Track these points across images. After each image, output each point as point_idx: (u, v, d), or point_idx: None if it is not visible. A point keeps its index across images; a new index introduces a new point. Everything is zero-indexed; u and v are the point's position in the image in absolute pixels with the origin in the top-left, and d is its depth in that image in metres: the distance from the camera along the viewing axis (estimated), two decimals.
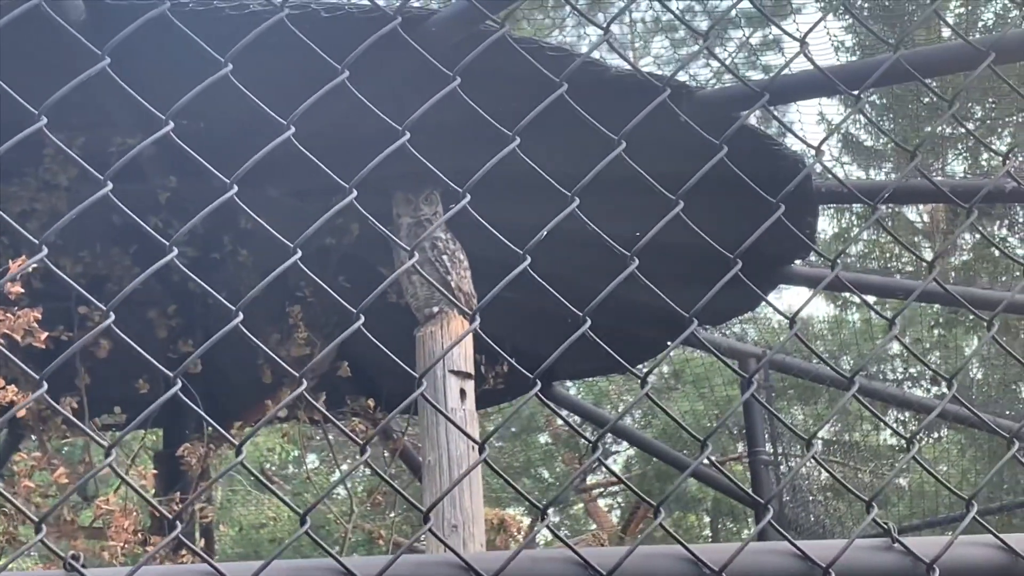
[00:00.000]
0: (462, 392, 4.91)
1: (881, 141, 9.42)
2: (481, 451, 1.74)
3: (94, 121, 4.71)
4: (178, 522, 1.54)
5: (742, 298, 6.58)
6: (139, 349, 1.60)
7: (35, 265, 4.44)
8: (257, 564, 1.51)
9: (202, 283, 1.86)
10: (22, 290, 4.40)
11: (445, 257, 5.22)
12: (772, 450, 7.98)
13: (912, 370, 11.08)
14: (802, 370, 8.19)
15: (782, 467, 8.08)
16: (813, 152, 6.41)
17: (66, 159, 5.24)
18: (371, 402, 6.46)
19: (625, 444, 12.41)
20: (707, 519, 13.77)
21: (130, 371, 5.82)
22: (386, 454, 7.96)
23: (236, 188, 1.64)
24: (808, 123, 7.58)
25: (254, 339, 1.62)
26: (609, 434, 11.12)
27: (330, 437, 8.03)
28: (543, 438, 13.34)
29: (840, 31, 7.69)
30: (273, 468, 13.03)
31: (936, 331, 10.73)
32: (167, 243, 1.58)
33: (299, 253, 1.69)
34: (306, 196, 5.30)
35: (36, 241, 1.52)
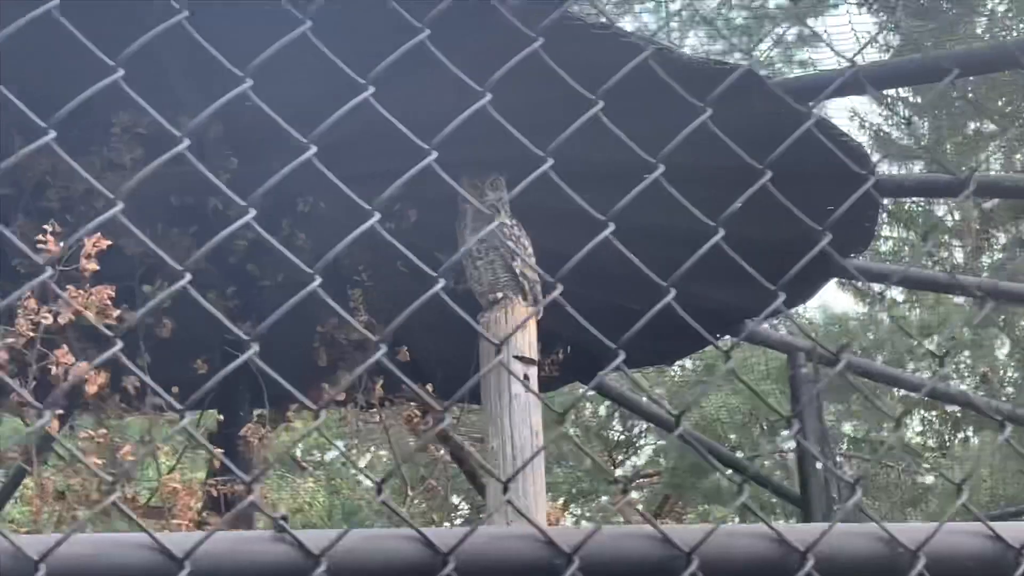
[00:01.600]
0: (526, 378, 4.93)
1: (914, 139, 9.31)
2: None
3: (162, 101, 4.77)
4: (251, 491, 1.56)
5: (793, 292, 6.53)
6: (213, 311, 1.62)
7: (108, 244, 4.54)
8: (335, 533, 1.53)
9: (282, 247, 1.88)
10: (97, 267, 4.49)
11: (510, 243, 5.22)
12: (821, 445, 7.90)
13: (945, 368, 10.96)
14: (856, 368, 8.11)
15: (829, 463, 8.00)
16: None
17: (132, 139, 5.32)
18: (429, 387, 6.49)
19: (651, 437, 12.39)
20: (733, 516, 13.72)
21: (189, 352, 5.89)
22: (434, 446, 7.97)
23: (315, 149, 1.65)
24: (839, 120, 7.52)
25: (331, 302, 1.64)
26: (636, 428, 11.11)
27: (384, 421, 8.05)
28: (574, 429, 13.34)
29: (875, 27, 7.59)
30: (299, 455, 13.13)
31: (967, 330, 10.60)
32: (244, 203, 1.58)
33: (376, 215, 1.68)
34: (367, 180, 5.33)
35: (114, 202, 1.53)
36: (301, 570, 1.48)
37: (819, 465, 7.77)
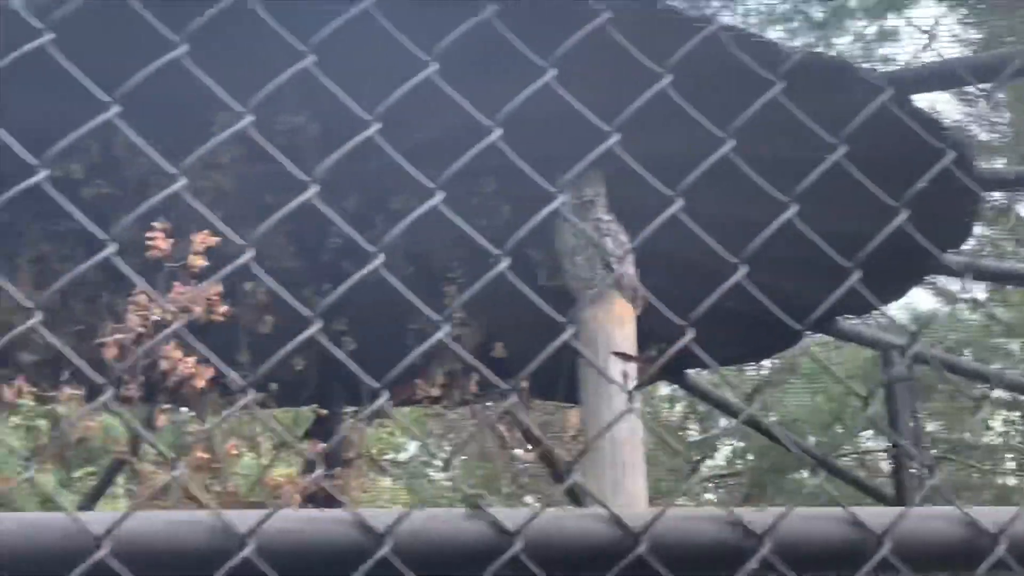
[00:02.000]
0: (624, 375, 4.91)
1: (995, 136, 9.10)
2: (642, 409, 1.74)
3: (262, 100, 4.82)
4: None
5: (889, 288, 6.42)
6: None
7: (215, 241, 4.63)
8: (528, 512, 1.58)
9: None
10: (205, 263, 4.58)
11: (608, 239, 5.20)
12: (916, 445, 7.78)
13: None
14: (950, 365, 7.96)
15: (925, 463, 7.88)
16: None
17: (232, 138, 5.40)
18: (524, 384, 6.49)
19: (728, 438, 12.30)
20: None
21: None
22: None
23: (378, 126, 1.66)
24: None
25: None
26: (717, 427, 11.03)
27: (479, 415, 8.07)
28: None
29: (958, 25, 7.43)
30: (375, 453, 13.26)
31: None
32: (308, 179, 1.61)
33: (440, 194, 1.69)
34: (455, 179, 5.35)
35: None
36: (497, 547, 1.53)
37: (912, 464, 7.65)
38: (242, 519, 1.47)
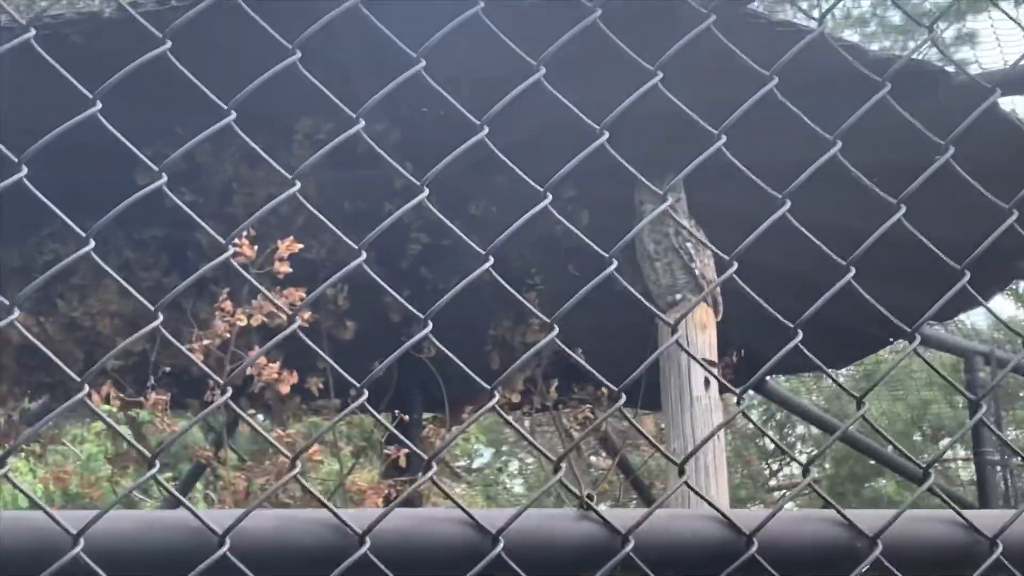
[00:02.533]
0: (706, 381, 4.88)
1: None
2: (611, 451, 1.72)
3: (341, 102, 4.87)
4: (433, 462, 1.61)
5: (970, 295, 6.29)
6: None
7: (300, 247, 4.69)
8: (640, 512, 1.58)
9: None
10: (290, 270, 4.65)
11: (689, 245, 5.18)
12: (1000, 451, 7.61)
13: None
14: None
15: (1009, 469, 7.72)
16: None
17: (313, 145, 5.45)
18: (604, 391, 6.46)
19: (805, 445, 12.16)
20: None
21: (368, 354, 6.01)
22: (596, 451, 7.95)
23: (485, 131, 1.66)
24: None
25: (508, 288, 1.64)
26: (791, 436, 10.91)
27: (559, 423, 8.06)
28: (727, 435, 13.20)
29: None
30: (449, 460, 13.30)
31: None
32: (418, 183, 1.61)
33: (548, 196, 1.69)
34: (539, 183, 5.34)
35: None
36: (608, 548, 1.54)
37: (999, 473, 7.50)
38: (358, 518, 1.48)
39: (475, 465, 13.25)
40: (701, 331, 5.02)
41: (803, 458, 12.88)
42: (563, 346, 1.66)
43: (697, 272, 5.11)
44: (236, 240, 4.47)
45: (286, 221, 5.18)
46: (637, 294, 1.83)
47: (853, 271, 1.81)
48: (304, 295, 4.79)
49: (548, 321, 1.69)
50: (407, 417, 6.30)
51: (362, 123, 1.65)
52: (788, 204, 1.78)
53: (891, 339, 7.53)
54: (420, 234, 5.64)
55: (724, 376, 6.17)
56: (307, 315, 4.71)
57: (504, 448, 12.46)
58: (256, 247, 4.62)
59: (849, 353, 8.09)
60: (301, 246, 4.74)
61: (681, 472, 1.70)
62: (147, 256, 5.89)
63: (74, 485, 5.87)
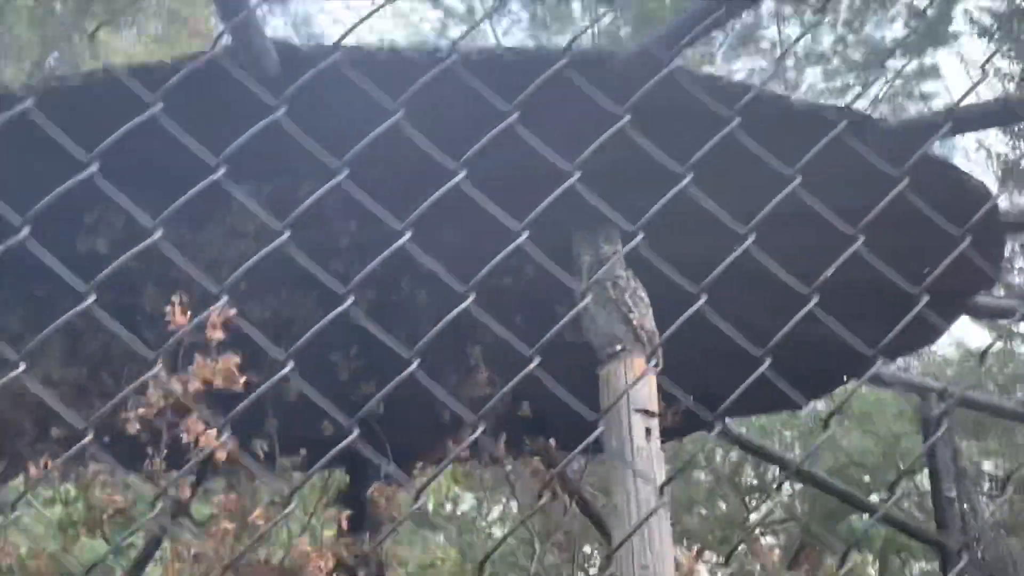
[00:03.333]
0: (647, 431, 4.86)
1: None
2: (661, 494, 1.74)
3: (281, 169, 4.89)
4: (363, 568, 1.60)
5: (920, 333, 6.39)
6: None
7: (232, 312, 4.63)
8: None
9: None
10: (223, 335, 4.58)
11: (627, 295, 5.21)
12: (956, 486, 7.69)
13: None
14: (987, 405, 7.90)
15: (964, 505, 7.79)
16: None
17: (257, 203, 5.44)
18: (552, 442, 6.47)
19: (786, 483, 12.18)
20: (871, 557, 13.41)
21: (316, 414, 5.97)
22: (561, 497, 7.94)
23: (409, 234, 1.69)
24: (969, 150, 7.38)
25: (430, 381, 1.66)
26: (774, 471, 10.94)
27: (507, 474, 8.06)
28: (703, 475, 13.17)
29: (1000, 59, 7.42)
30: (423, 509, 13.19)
31: None
32: (343, 290, 1.63)
33: (471, 296, 1.72)
34: (482, 237, 5.36)
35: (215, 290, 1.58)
36: None
37: (955, 504, 7.57)
38: None
39: (460, 511, 13.15)
40: (641, 381, 5.04)
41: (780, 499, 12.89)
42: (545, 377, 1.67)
43: (635, 323, 5.13)
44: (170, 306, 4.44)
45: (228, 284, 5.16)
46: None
47: (816, 298, 1.84)
48: (239, 361, 4.72)
49: (530, 353, 1.69)
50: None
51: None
52: (752, 237, 1.81)
53: (845, 377, 7.59)
54: (367, 290, 5.65)
55: (673, 423, 6.19)
56: (242, 380, 4.65)
57: (485, 494, 12.37)
58: (188, 313, 4.56)
59: (802, 391, 8.14)
60: (234, 311, 4.68)
61: (608, 562, 1.71)
62: (95, 320, 5.83)
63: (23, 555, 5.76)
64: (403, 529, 12.47)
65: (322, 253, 5.57)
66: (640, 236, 1.83)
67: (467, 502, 12.79)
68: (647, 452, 4.81)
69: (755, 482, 12.59)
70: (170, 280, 5.38)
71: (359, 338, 6.04)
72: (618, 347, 5.11)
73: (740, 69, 6.88)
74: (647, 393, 4.95)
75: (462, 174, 1.75)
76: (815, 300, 1.85)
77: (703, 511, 12.73)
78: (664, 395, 5.86)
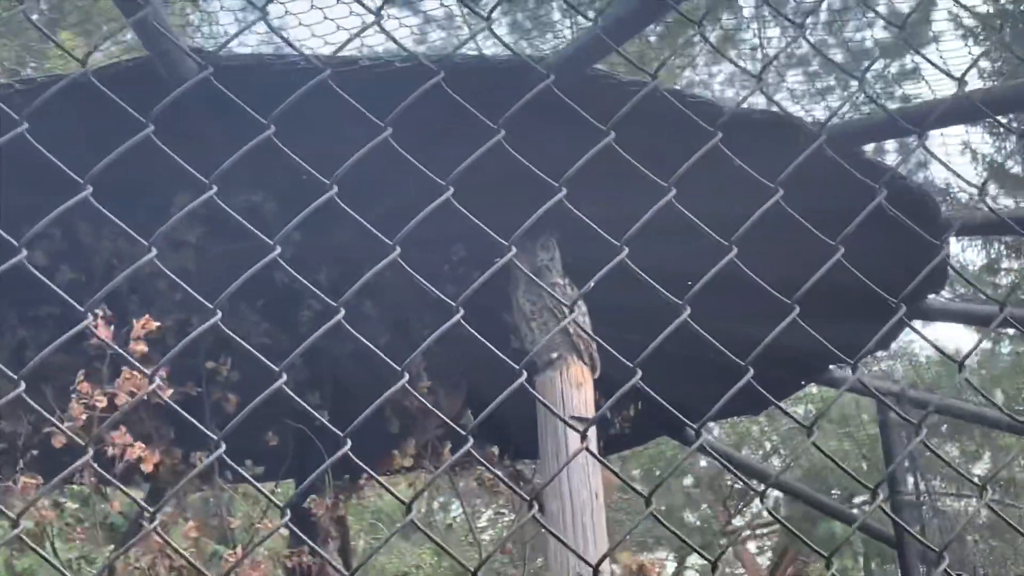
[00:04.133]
0: (583, 437, 4.86)
1: None
2: (530, 507, 1.75)
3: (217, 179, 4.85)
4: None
5: (874, 336, 6.46)
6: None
7: (157, 324, 4.57)
8: None
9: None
10: (145, 349, 4.53)
11: (563, 303, 5.21)
12: (915, 489, 7.79)
13: None
14: (960, 411, 8.01)
15: (925, 507, 7.88)
16: (967, 186, 6.27)
17: (192, 218, 5.39)
18: (495, 450, 6.46)
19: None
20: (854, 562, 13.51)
21: (260, 424, 5.91)
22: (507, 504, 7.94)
23: (398, 250, 1.68)
24: (953, 152, 7.44)
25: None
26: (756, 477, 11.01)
27: (455, 483, 8.04)
28: (687, 480, 13.18)
29: (976, 53, 7.49)
30: (396, 517, 13.10)
31: None
32: (272, 242, 1.62)
33: (397, 249, 1.73)
34: (427, 246, 5.35)
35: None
36: None
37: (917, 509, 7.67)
38: None
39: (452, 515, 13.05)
40: (576, 389, 5.04)
41: (758, 500, 12.91)
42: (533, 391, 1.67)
43: (571, 331, 5.13)
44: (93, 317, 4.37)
45: (162, 296, 5.11)
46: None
47: (797, 309, 1.85)
48: (164, 374, 4.64)
49: (519, 368, 1.69)
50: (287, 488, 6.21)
51: (214, 189, 1.66)
52: (735, 251, 1.82)
53: (802, 382, 7.66)
54: (312, 300, 5.61)
55: (620, 429, 6.20)
56: (168, 393, 4.59)
57: (476, 501, 12.29)
58: (112, 327, 4.49)
59: (762, 398, 8.20)
60: (157, 324, 4.62)
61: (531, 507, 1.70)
62: (43, 334, 5.76)
63: None
64: (380, 538, 12.37)
65: (267, 265, 5.55)
66: (625, 251, 1.84)
67: (456, 510, 12.70)
68: (582, 459, 4.81)
69: (736, 486, 12.61)
70: (110, 294, 5.33)
71: (306, 350, 5.99)
72: (554, 355, 5.11)
73: (720, 72, 6.90)
74: (582, 401, 4.98)
75: (450, 191, 1.77)
76: (796, 311, 1.87)
77: (684, 516, 12.75)
78: (615, 403, 5.89)
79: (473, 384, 6.20)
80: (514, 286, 5.30)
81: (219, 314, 1.66)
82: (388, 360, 1.78)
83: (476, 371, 5.71)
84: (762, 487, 11.32)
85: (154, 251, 1.62)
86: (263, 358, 1.71)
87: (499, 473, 6.18)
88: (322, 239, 5.10)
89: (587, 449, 2.04)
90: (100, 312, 4.42)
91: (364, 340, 1.82)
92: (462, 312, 1.78)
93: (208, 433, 1.69)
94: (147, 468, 4.76)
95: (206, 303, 1.70)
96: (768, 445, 11.93)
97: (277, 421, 5.80)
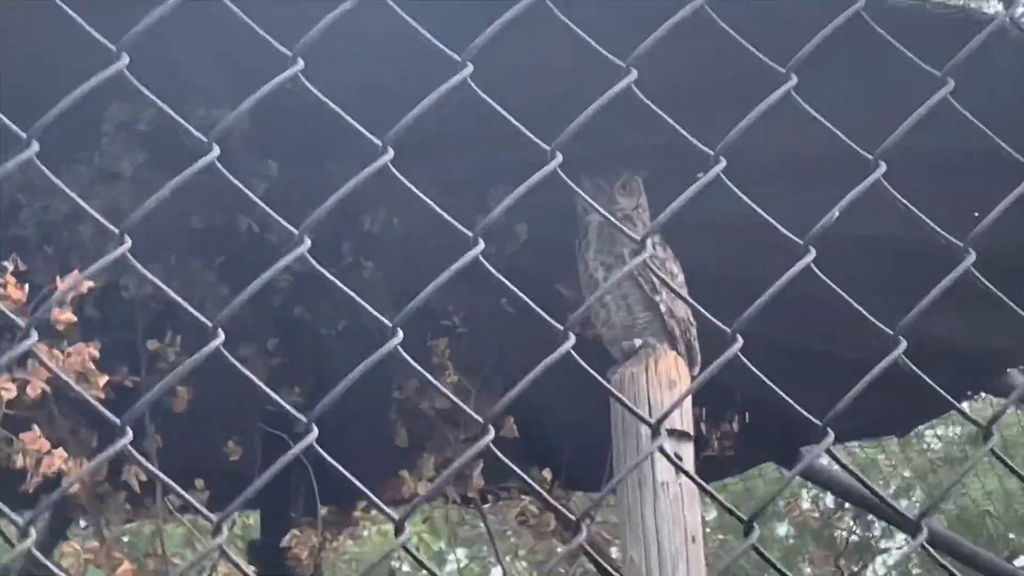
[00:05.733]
0: (678, 456, 4.76)
1: None
2: (576, 530, 1.76)
3: (167, 88, 4.84)
4: None
5: None
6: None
7: (90, 285, 4.56)
8: None
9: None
10: (74, 318, 4.49)
11: (652, 270, 5.11)
12: None
13: None
14: None
15: None
16: None
17: (129, 139, 5.38)
18: (546, 473, 6.42)
19: (900, 538, 12.14)
20: None
21: (216, 430, 5.93)
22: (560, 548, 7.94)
23: (391, 152, 1.69)
24: None
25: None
26: (879, 524, 10.96)
27: (488, 523, 8.05)
28: (782, 529, 13.10)
29: None
30: (408, 567, 13.13)
31: None
32: (294, 230, 1.63)
33: (479, 244, 1.72)
34: (457, 188, 5.30)
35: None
36: None
37: None
38: None
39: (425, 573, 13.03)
40: (668, 389, 4.92)
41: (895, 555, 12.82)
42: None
43: (663, 308, 5.04)
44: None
45: (92, 253, 5.13)
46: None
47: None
48: (97, 352, 4.61)
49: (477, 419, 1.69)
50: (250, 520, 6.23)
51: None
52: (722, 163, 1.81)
53: (969, 392, 7.58)
54: (293, 262, 5.56)
55: (720, 450, 6.16)
56: (103, 380, 4.58)
57: (483, 551, 12.31)
58: (27, 286, 4.45)
59: (915, 413, 8.09)
60: (91, 284, 4.55)
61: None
62: None
63: None
64: None
65: (227, 206, 5.55)
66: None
67: (460, 560, 12.73)
68: (675, 489, 4.75)
69: (855, 537, 12.49)
70: (13, 240, 5.37)
71: (280, 327, 6.00)
72: (637, 342, 5.05)
73: None
74: (677, 406, 4.87)
75: (558, 158, 1.78)
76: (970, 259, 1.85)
77: None
78: (709, 413, 5.83)
79: (514, 383, 6.18)
80: (582, 245, 5.17)
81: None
82: (377, 315, 1.77)
83: (520, 364, 5.65)
84: (916, 523, 11.31)
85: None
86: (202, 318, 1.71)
87: (540, 489, 6.17)
88: (304, 172, 5.10)
89: (662, 450, 2.02)
90: (10, 265, 4.43)
91: (349, 291, 1.82)
92: (481, 246, 1.77)
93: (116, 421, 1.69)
94: (75, 488, 4.77)
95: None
96: (899, 481, 11.82)
97: (241, 426, 5.83)
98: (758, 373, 1.89)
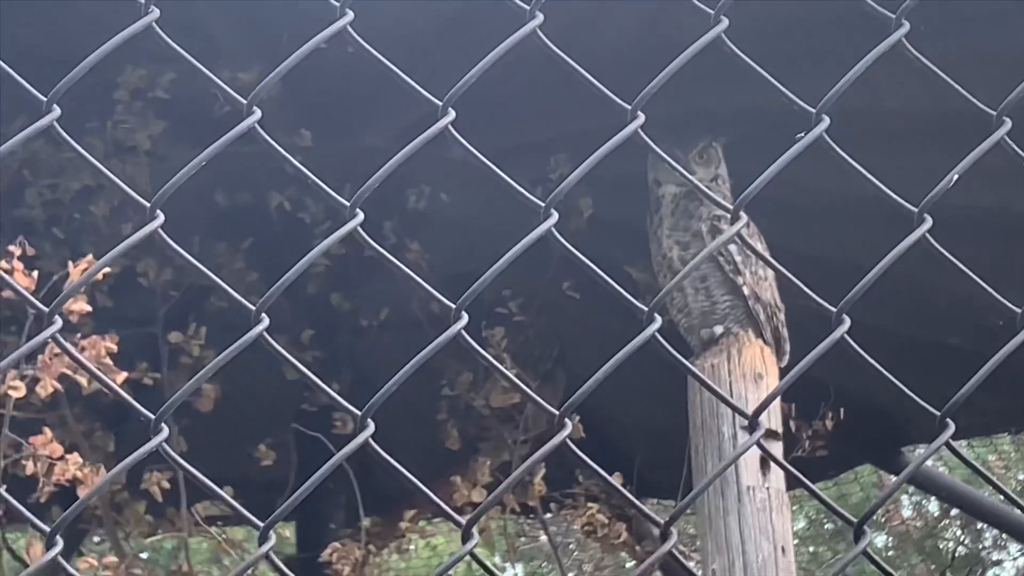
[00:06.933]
0: (763, 462, 4.77)
1: None
2: (664, 538, 1.75)
3: (188, 50, 4.85)
4: None
5: None
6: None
7: (106, 270, 4.57)
8: None
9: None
10: (88, 307, 4.49)
11: (734, 250, 5.09)
12: None
13: None
14: None
15: None
16: None
17: (146, 109, 5.39)
18: (618, 478, 6.41)
19: (1015, 549, 12.09)
20: None
21: (245, 433, 5.96)
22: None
23: (452, 114, 1.70)
24: None
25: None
26: (990, 533, 10.92)
27: (550, 534, 8.07)
28: (880, 539, 13.05)
29: None
30: None
31: None
32: (345, 203, 1.62)
33: (552, 216, 1.71)
34: (508, 156, 5.29)
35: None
36: None
37: None
38: None
39: None
40: (754, 383, 4.91)
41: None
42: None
43: (747, 292, 5.01)
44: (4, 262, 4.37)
45: (110, 233, 5.16)
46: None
47: None
48: (113, 346, 4.60)
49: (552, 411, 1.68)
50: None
51: None
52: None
53: None
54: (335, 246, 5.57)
55: (810, 451, 6.14)
56: (121, 377, 4.58)
57: (543, 565, 12.36)
58: (36, 272, 4.45)
59: None
60: (107, 270, 4.53)
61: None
62: None
63: None
64: None
65: (258, 182, 5.57)
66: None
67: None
68: (762, 494, 4.75)
69: (963, 548, 12.44)
70: (15, 221, 5.40)
71: (315, 317, 6.01)
72: (718, 329, 5.04)
73: None
74: (761, 399, 4.85)
75: (640, 118, 1.78)
76: None
77: None
78: (800, 409, 5.79)
79: (577, 378, 6.17)
80: (654, 220, 5.15)
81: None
82: (438, 295, 1.77)
83: (585, 356, 5.66)
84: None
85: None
86: (244, 301, 1.71)
87: (624, 491, 6.17)
88: (342, 143, 5.10)
89: (761, 446, 2.00)
90: (16, 249, 4.44)
91: (405, 268, 1.81)
92: (554, 218, 1.77)
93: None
94: (83, 492, 4.80)
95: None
96: (1013, 485, 11.74)
97: (274, 428, 5.86)
98: (869, 359, 1.87)
